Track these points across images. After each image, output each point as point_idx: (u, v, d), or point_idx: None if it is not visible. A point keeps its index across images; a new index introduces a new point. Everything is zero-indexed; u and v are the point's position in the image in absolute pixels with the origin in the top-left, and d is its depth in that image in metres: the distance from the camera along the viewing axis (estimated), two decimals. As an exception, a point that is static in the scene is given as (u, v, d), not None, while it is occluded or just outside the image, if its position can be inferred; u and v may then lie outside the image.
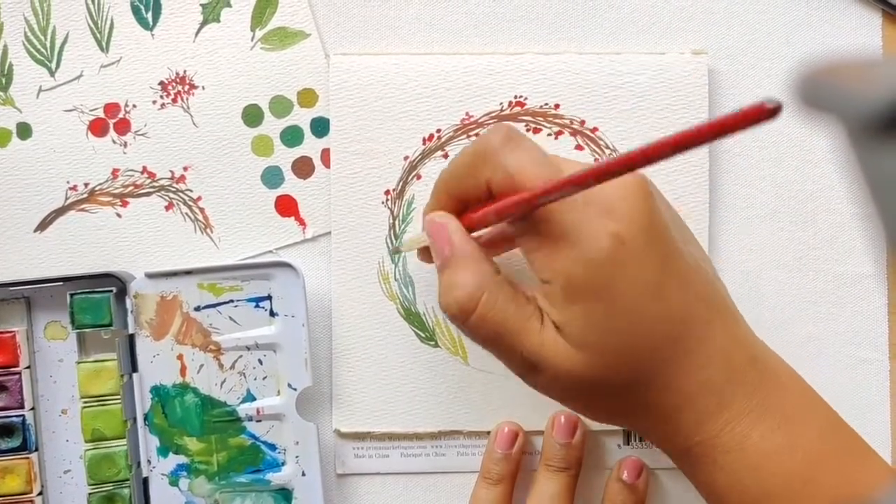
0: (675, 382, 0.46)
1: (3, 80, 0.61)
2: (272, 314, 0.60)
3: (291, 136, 0.62)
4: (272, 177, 0.62)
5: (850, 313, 0.62)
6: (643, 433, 0.52)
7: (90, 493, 0.60)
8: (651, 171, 0.60)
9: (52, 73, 0.61)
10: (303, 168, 0.62)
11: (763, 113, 0.33)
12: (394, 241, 0.61)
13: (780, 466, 0.47)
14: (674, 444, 0.49)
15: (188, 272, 0.60)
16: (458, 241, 0.47)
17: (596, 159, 0.61)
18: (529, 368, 0.47)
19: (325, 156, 0.62)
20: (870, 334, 0.63)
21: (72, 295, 0.59)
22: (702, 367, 0.46)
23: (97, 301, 0.59)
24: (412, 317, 0.62)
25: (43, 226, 0.62)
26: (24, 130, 0.61)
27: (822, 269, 0.62)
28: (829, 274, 0.62)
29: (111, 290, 0.59)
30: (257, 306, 0.60)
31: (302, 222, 0.62)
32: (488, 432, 0.62)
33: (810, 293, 0.62)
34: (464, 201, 0.49)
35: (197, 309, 0.60)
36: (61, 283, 0.59)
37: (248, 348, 0.60)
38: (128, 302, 0.60)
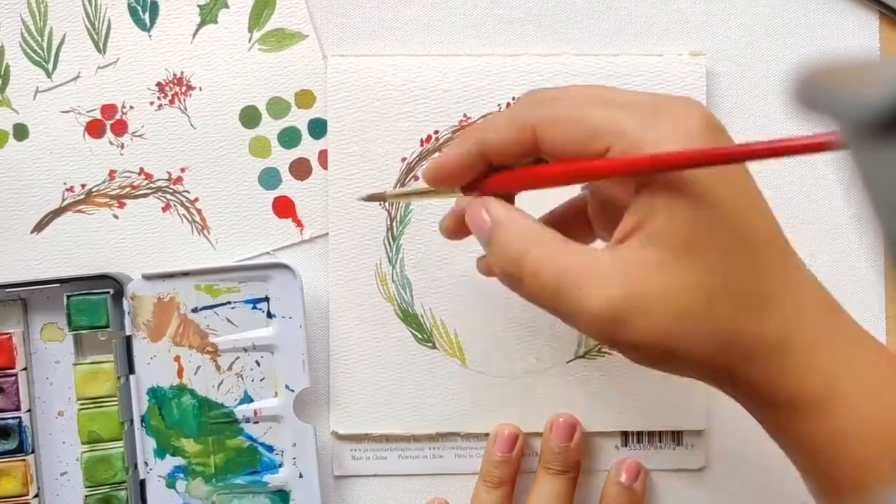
0: (765, 326, 0.42)
1: (0, 82, 0.61)
2: (269, 316, 0.60)
3: (289, 138, 0.62)
4: (269, 178, 0.62)
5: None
6: (744, 385, 0.44)
7: (87, 496, 0.60)
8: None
9: (48, 75, 0.61)
10: (300, 169, 0.62)
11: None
12: (391, 243, 0.61)
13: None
14: (780, 389, 0.43)
15: (185, 274, 0.60)
16: (493, 209, 0.46)
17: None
18: (611, 314, 0.42)
19: (323, 157, 0.62)
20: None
21: (68, 296, 0.59)
22: (793, 313, 0.43)
23: (94, 302, 0.59)
24: (410, 318, 0.62)
25: (40, 227, 0.61)
26: (21, 132, 0.61)
27: (820, 271, 0.61)
28: (825, 276, 0.62)
29: (108, 292, 0.59)
30: (255, 308, 0.60)
31: (299, 223, 0.62)
32: (486, 434, 0.62)
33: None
34: (489, 162, 0.46)
35: (194, 310, 0.60)
36: (58, 285, 0.59)
37: (245, 350, 0.60)
38: (125, 303, 0.60)
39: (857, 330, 0.44)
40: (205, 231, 0.62)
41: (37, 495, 0.61)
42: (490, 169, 0.47)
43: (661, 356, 0.43)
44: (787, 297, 0.43)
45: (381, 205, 0.61)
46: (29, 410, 0.60)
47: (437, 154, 0.61)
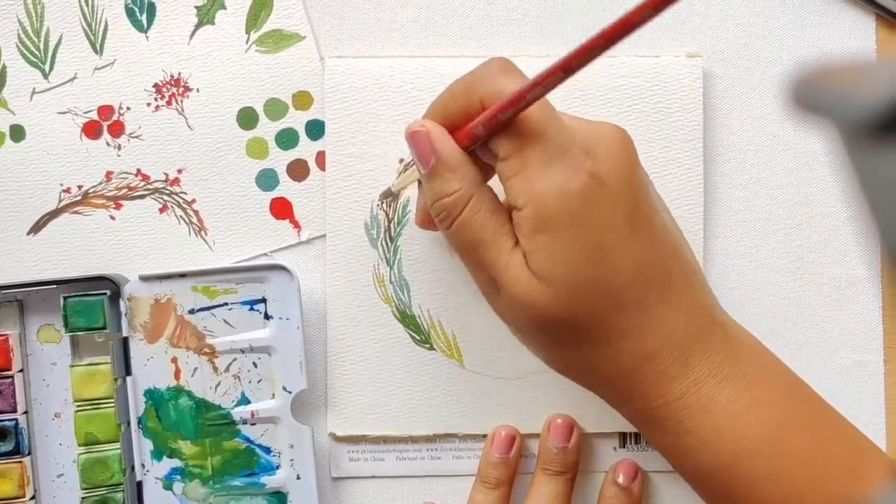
0: (637, 336, 0.47)
1: (-4, 83, 0.61)
2: (267, 317, 0.60)
3: (286, 139, 0.62)
4: (267, 179, 0.62)
5: (845, 316, 0.62)
6: (602, 393, 0.51)
7: (83, 497, 0.60)
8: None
9: (45, 76, 0.61)
10: (297, 171, 0.62)
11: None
12: (389, 244, 0.61)
13: (748, 428, 0.48)
14: (636, 405, 0.50)
15: (182, 275, 0.60)
16: (443, 147, 0.48)
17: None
18: (492, 286, 0.48)
19: (320, 158, 0.62)
20: (865, 337, 0.63)
21: (65, 298, 0.59)
22: (665, 323, 0.47)
23: (91, 304, 0.59)
24: (407, 319, 0.61)
25: (36, 228, 0.61)
26: (18, 133, 0.61)
27: (817, 273, 0.62)
28: (823, 277, 0.62)
29: (105, 293, 0.59)
30: (252, 309, 0.60)
31: (297, 225, 0.62)
32: (484, 435, 0.62)
33: (805, 296, 0.62)
34: (455, 123, 0.49)
35: (191, 312, 0.60)
36: (54, 286, 0.59)
37: (242, 351, 0.60)
38: (122, 305, 0.59)
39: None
40: (202, 232, 0.62)
41: (33, 497, 0.60)
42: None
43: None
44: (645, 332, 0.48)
45: (378, 205, 0.61)
46: (25, 412, 0.60)
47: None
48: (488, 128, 0.47)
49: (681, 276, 0.48)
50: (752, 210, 0.62)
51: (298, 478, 0.60)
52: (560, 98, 0.61)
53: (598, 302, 0.46)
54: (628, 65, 0.61)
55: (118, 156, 0.61)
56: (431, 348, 0.61)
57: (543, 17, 0.62)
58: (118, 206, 0.62)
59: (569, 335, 0.47)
